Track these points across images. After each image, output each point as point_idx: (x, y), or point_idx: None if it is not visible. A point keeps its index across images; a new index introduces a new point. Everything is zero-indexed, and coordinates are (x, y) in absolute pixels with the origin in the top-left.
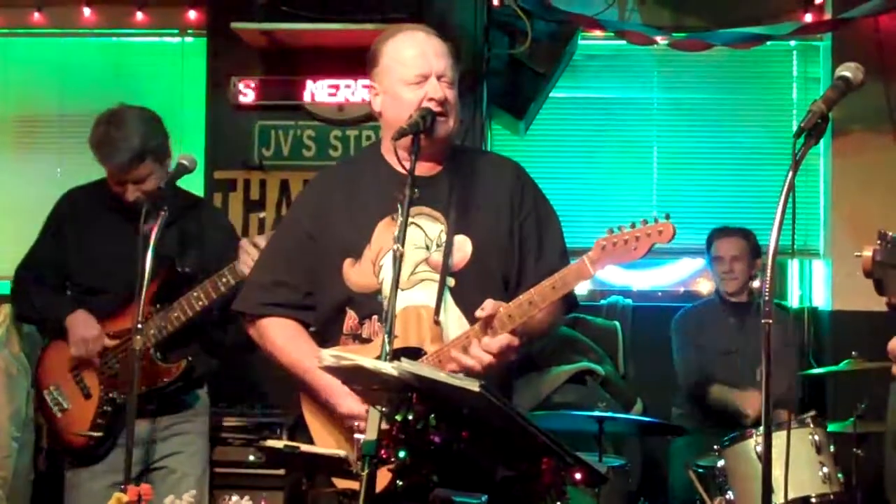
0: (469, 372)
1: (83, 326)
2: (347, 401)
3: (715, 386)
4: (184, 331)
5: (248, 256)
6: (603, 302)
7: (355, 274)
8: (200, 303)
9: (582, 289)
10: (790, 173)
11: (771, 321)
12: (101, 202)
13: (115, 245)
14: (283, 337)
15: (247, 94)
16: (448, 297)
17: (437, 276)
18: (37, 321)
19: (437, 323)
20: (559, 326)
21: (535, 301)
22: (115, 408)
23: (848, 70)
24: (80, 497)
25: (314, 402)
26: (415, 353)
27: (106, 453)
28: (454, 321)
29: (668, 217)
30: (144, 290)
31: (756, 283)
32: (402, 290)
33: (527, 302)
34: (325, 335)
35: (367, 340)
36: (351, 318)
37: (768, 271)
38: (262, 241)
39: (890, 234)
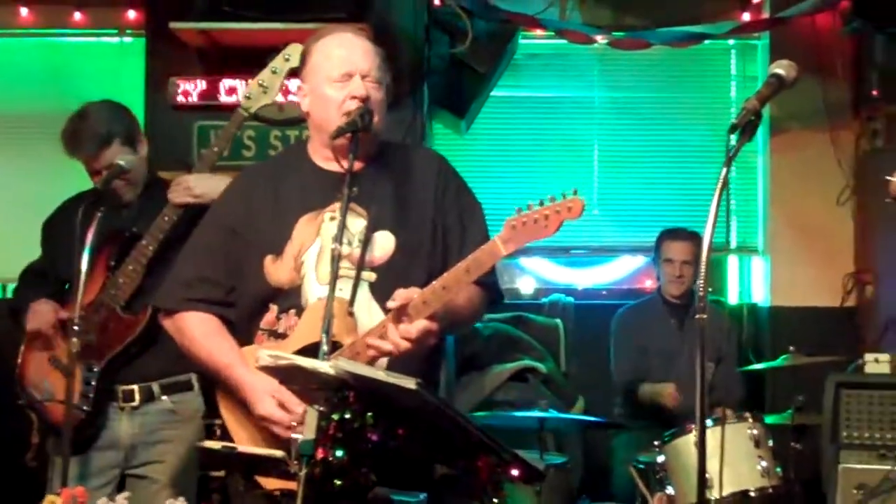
0: (388, 357)
1: (40, 304)
2: (265, 402)
3: (644, 385)
4: (149, 284)
5: (178, 186)
6: (544, 300)
7: (276, 270)
8: (150, 248)
9: (527, 287)
10: (724, 169)
11: (705, 316)
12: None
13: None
14: (201, 332)
15: (185, 94)
16: (366, 291)
17: (355, 271)
18: (15, 313)
19: (350, 315)
20: (482, 315)
21: (449, 285)
22: (97, 377)
23: (781, 68)
24: None
25: (231, 399)
26: (332, 347)
27: (95, 436)
28: (371, 315)
29: (575, 192)
30: (86, 268)
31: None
32: (322, 285)
33: (440, 287)
34: (243, 330)
35: (283, 336)
36: (271, 312)
37: (702, 267)
38: (193, 178)
39: None
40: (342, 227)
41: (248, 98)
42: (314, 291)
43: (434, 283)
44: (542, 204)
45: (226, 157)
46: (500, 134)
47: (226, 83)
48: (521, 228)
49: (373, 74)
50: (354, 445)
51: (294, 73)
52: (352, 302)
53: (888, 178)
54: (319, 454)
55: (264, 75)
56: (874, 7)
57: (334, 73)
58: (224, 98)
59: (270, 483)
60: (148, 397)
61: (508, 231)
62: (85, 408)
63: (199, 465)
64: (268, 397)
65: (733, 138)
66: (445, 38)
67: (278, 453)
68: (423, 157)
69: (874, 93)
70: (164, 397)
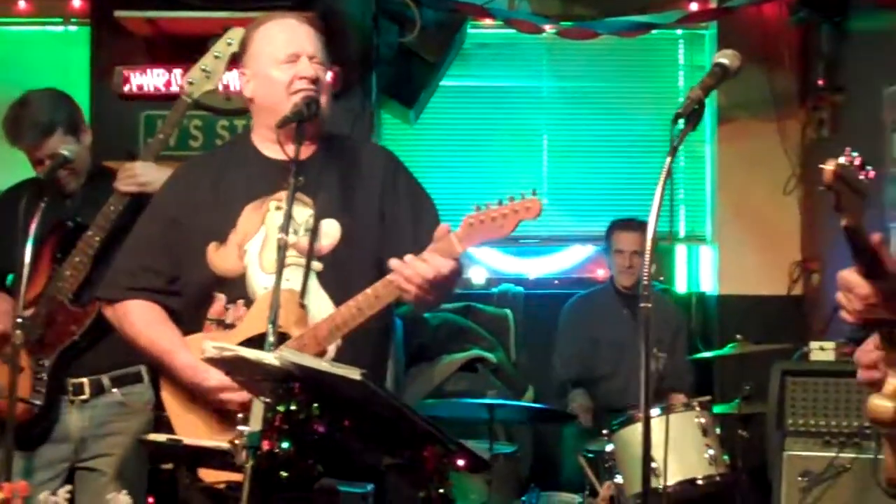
0: (337, 348)
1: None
2: (211, 374)
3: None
4: (97, 275)
5: (124, 173)
6: (494, 290)
7: (219, 258)
8: (97, 238)
9: (479, 277)
10: (668, 158)
11: (649, 305)
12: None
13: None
14: (143, 320)
15: (131, 83)
16: (314, 281)
17: (303, 261)
18: None
19: (301, 307)
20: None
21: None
22: (48, 371)
23: (725, 57)
24: None
25: (175, 388)
26: (280, 338)
27: (44, 434)
28: (320, 305)
29: (534, 193)
30: (29, 262)
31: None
32: (267, 273)
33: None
34: (190, 320)
35: (231, 326)
36: (218, 302)
37: (646, 255)
38: (139, 166)
39: (857, 154)
40: (288, 216)
41: (190, 84)
42: (259, 280)
43: (388, 277)
44: (500, 203)
45: (172, 146)
46: (449, 123)
47: (173, 72)
48: (478, 227)
49: (319, 56)
50: (300, 437)
51: (235, 59)
52: (303, 293)
53: (822, 166)
54: (265, 446)
55: (207, 60)
56: None
57: (280, 55)
58: (171, 87)
59: (215, 475)
60: (98, 390)
61: (465, 229)
62: (37, 402)
63: (149, 457)
64: (213, 370)
65: (677, 127)
66: (394, 27)
67: (224, 445)
68: (371, 149)
69: (820, 82)
70: (114, 390)
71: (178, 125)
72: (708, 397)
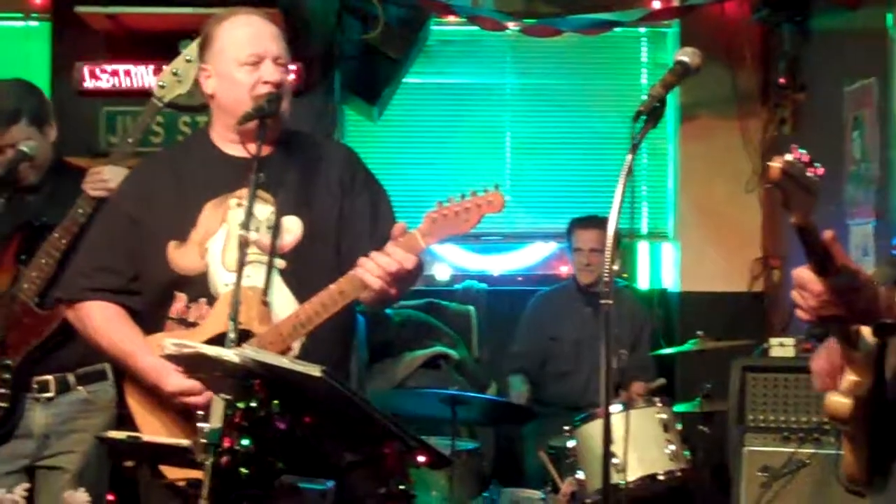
0: (302, 345)
1: None
2: (173, 378)
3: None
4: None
5: (92, 177)
6: (457, 286)
7: (180, 256)
8: (64, 241)
9: (443, 274)
10: (629, 156)
11: (610, 302)
12: None
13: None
14: (103, 321)
15: (92, 79)
16: (277, 278)
17: (265, 258)
18: None
19: (264, 304)
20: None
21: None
22: (13, 372)
23: (686, 55)
24: None
25: (138, 387)
26: (243, 336)
27: (7, 435)
28: (283, 302)
29: (497, 187)
30: None
31: (615, 268)
32: (229, 271)
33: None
34: (152, 319)
35: (194, 325)
36: (180, 300)
37: (607, 253)
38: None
39: (804, 151)
40: (249, 213)
41: (161, 87)
42: (221, 278)
43: (351, 272)
44: (462, 197)
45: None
46: (413, 120)
47: (134, 68)
48: (442, 221)
49: (283, 56)
50: (261, 434)
51: None
52: (266, 291)
53: (769, 164)
54: (226, 443)
55: (178, 64)
56: None
57: (242, 55)
58: (132, 83)
59: (176, 473)
60: (63, 388)
61: (428, 224)
62: (2, 405)
63: (109, 455)
64: (174, 372)
65: (638, 125)
66: (357, 23)
67: (184, 442)
68: (331, 146)
69: (782, 81)
70: (79, 387)
71: (147, 128)
72: (661, 380)
